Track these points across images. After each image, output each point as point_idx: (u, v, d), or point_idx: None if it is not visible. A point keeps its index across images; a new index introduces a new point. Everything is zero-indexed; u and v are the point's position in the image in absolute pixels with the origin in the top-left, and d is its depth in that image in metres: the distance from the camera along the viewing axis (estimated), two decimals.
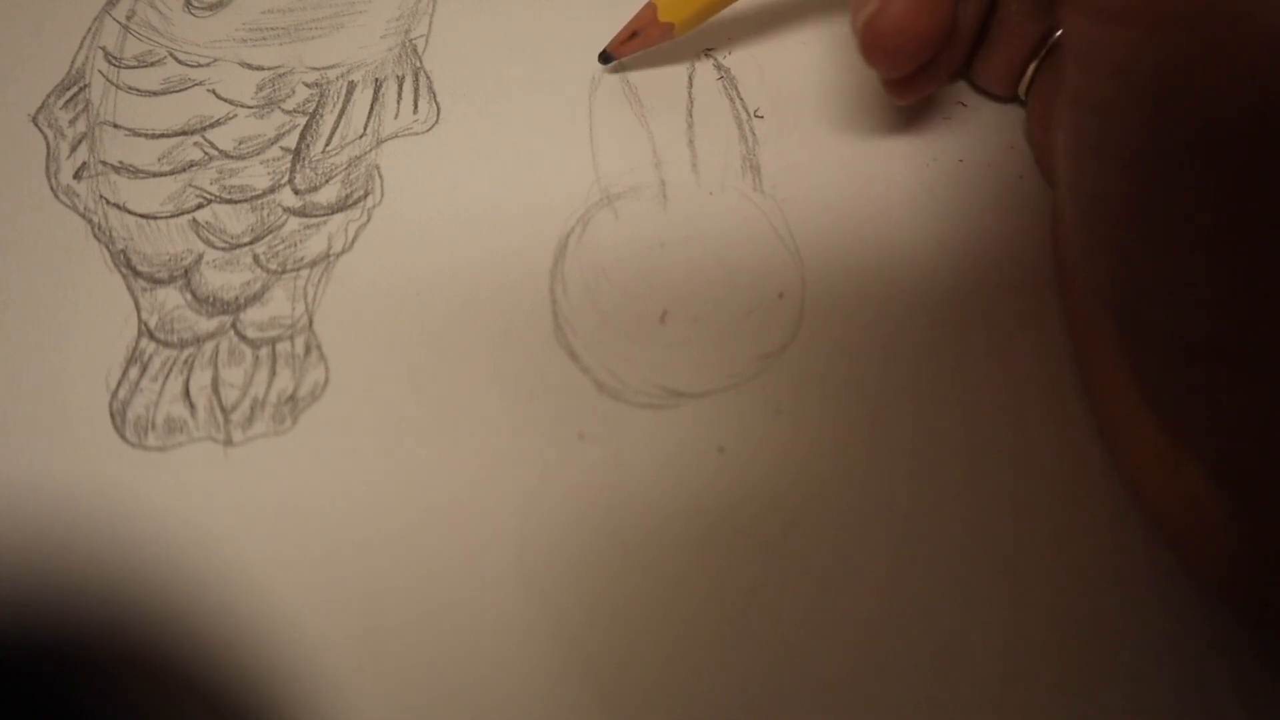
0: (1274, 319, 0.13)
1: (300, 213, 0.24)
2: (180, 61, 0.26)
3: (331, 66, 0.26)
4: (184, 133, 0.25)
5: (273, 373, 0.22)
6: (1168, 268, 0.14)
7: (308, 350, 0.22)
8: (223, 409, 0.22)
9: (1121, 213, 0.14)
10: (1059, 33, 0.22)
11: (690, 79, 0.25)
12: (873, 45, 0.21)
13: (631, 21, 0.24)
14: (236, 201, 0.24)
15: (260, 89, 0.26)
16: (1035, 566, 0.19)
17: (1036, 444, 0.20)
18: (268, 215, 0.24)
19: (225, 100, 0.25)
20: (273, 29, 0.27)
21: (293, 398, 0.22)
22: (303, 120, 0.25)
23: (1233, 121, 0.12)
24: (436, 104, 0.25)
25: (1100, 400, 0.20)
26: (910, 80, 0.22)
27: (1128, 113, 0.14)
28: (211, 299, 0.23)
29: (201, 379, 0.22)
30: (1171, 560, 0.19)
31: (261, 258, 0.23)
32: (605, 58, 0.25)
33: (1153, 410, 0.17)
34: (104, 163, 0.25)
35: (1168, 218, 0.14)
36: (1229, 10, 0.12)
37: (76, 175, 0.25)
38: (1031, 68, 0.23)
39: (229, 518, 0.20)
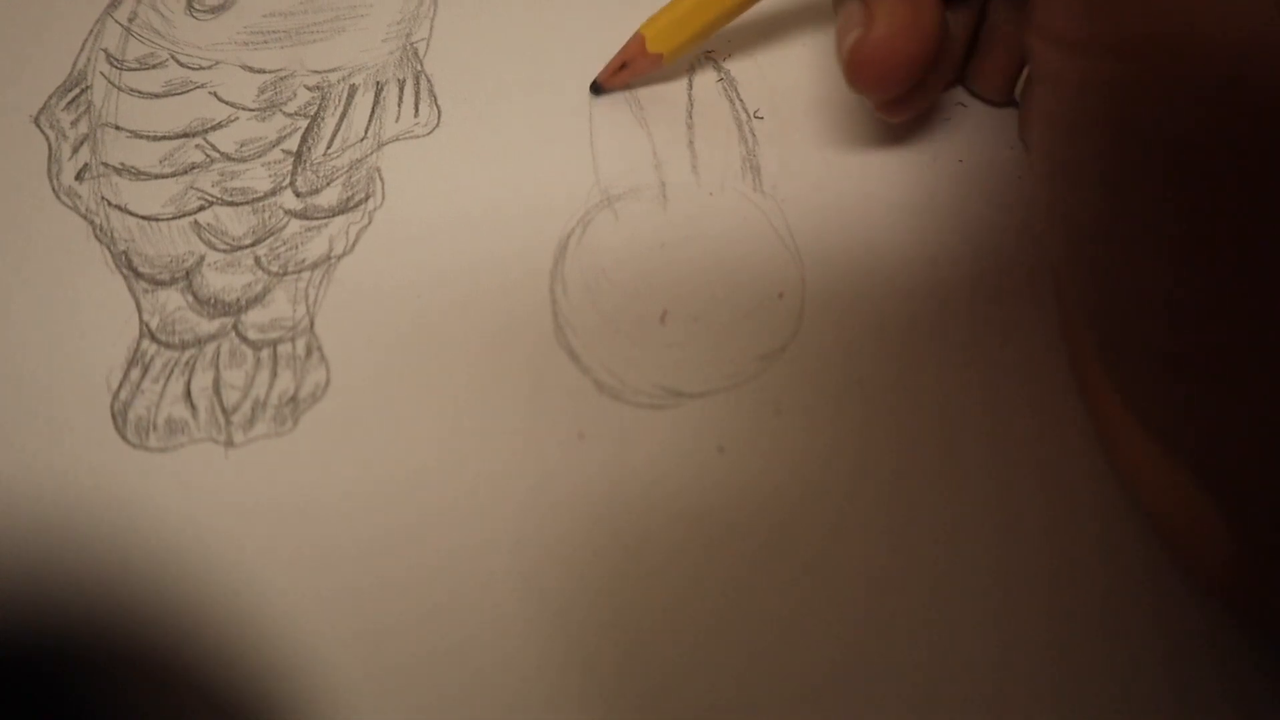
0: (1246, 329, 0.13)
1: (301, 215, 0.24)
2: (182, 64, 0.26)
3: (333, 70, 0.26)
4: (186, 135, 0.25)
5: (274, 374, 0.22)
6: (1138, 281, 0.14)
7: (309, 352, 0.22)
8: (224, 410, 0.22)
9: (1091, 228, 0.15)
10: None
11: (690, 81, 0.25)
12: (858, 73, 0.20)
13: (620, 53, 0.24)
14: (238, 204, 0.24)
15: (262, 92, 0.26)
16: (1034, 567, 0.19)
17: (1036, 444, 0.20)
18: (269, 217, 0.24)
19: (227, 103, 0.26)
20: (274, 32, 0.27)
21: (294, 399, 0.22)
22: (304, 123, 0.25)
23: (1183, 142, 0.13)
24: (437, 107, 0.25)
25: (1097, 402, 0.20)
26: (902, 100, 0.22)
27: (1089, 134, 0.14)
28: (213, 301, 0.23)
29: (203, 380, 0.22)
30: (1167, 562, 0.19)
31: (263, 260, 0.23)
32: (596, 89, 0.25)
33: (1137, 419, 0.17)
34: (106, 164, 0.25)
35: (1134, 234, 0.14)
36: (1169, 36, 0.12)
37: (78, 177, 0.25)
38: (1025, 72, 0.23)
39: (230, 519, 0.20)
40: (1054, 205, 0.15)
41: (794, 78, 0.25)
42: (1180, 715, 0.18)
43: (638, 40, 0.24)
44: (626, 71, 0.24)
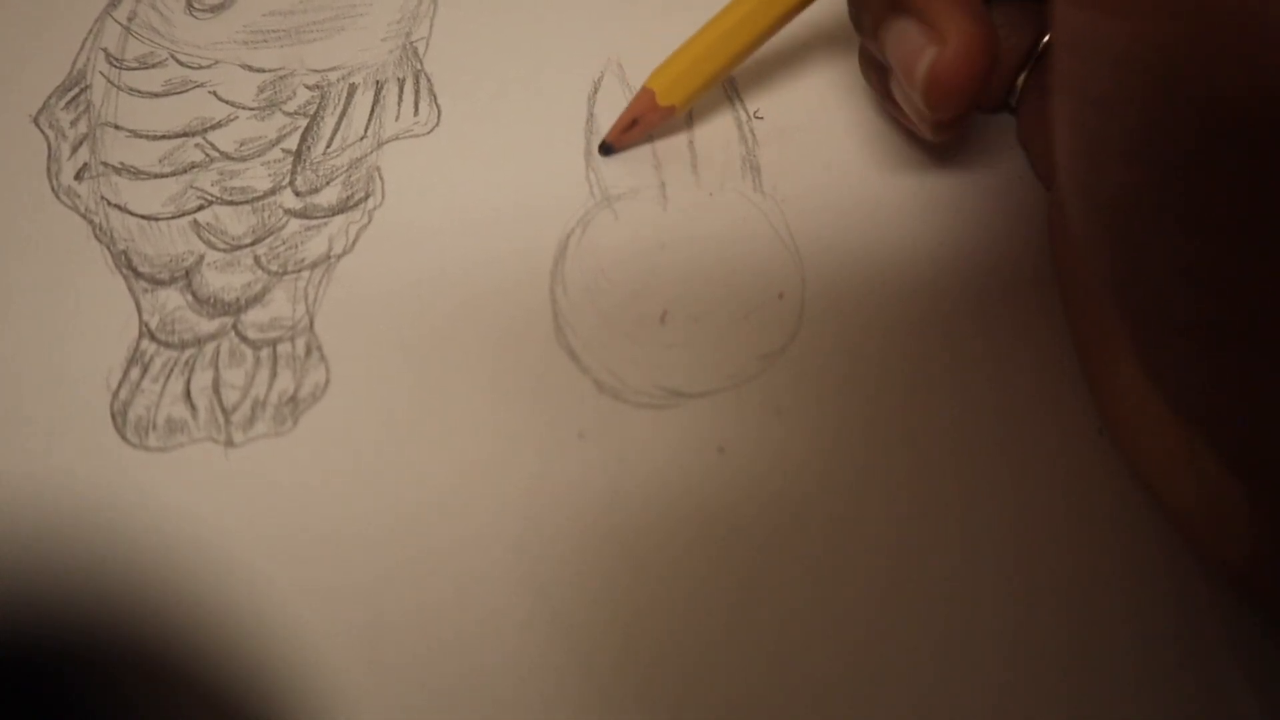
0: None
1: (301, 214, 0.24)
2: (181, 63, 0.26)
3: (332, 69, 0.26)
4: (185, 134, 0.25)
5: (273, 374, 0.22)
6: (1177, 254, 0.14)
7: (308, 351, 0.22)
8: (224, 410, 0.22)
9: (1122, 202, 0.14)
10: (1044, 40, 0.22)
11: None
12: (939, 91, 0.20)
13: (630, 109, 0.24)
14: (237, 203, 0.24)
15: (261, 91, 0.26)
16: (1041, 564, 0.19)
17: (1040, 441, 0.20)
18: (269, 217, 0.24)
19: (226, 102, 0.26)
20: (274, 31, 0.27)
21: (293, 399, 0.22)
22: (304, 122, 0.25)
23: (1238, 112, 0.12)
24: (437, 106, 0.25)
25: (1107, 395, 0.20)
26: (958, 117, 0.21)
27: (1125, 105, 0.13)
28: (212, 300, 0.23)
29: (202, 380, 0.22)
30: (1183, 555, 0.19)
31: (262, 259, 0.23)
32: (606, 149, 0.24)
33: (1165, 399, 0.17)
34: (105, 164, 0.25)
35: (1174, 206, 0.13)
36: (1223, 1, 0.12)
37: (78, 176, 0.25)
38: (1020, 79, 0.23)
39: (230, 518, 0.20)
40: (1075, 178, 0.15)
41: (794, 77, 0.25)
42: (1202, 710, 0.18)
43: (646, 95, 0.23)
44: (638, 128, 0.24)
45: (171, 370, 0.22)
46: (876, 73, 0.23)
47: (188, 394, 0.22)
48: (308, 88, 0.26)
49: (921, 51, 0.20)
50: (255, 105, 0.25)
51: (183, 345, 0.22)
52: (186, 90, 0.26)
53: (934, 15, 0.20)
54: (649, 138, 0.24)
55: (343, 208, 0.24)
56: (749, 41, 0.23)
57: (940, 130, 0.22)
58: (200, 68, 0.26)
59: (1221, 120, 0.12)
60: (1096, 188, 0.15)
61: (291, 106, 0.25)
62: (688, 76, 0.23)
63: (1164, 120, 0.13)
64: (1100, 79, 0.14)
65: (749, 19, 0.23)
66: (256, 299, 0.23)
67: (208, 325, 0.23)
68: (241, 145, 0.25)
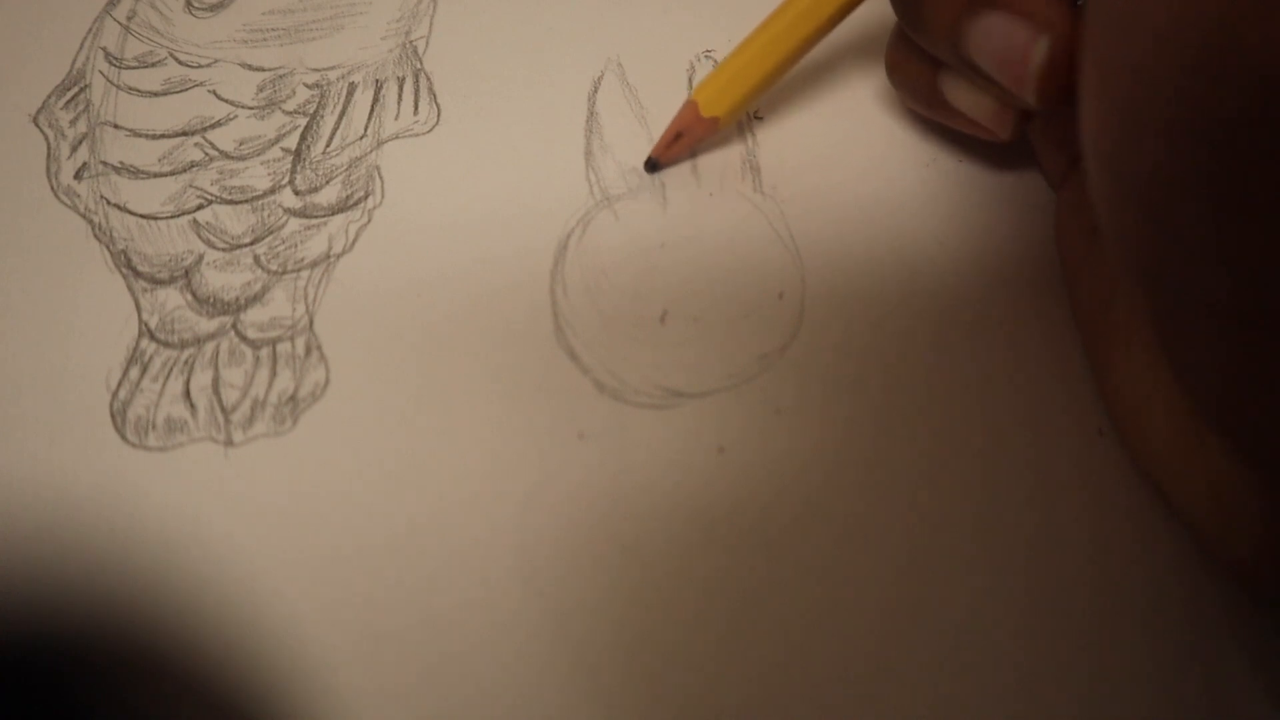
0: None
1: (301, 214, 0.24)
2: (181, 62, 0.26)
3: (332, 68, 0.26)
4: (184, 133, 0.25)
5: (273, 373, 0.22)
6: (1209, 234, 0.14)
7: (308, 351, 0.22)
8: (223, 409, 0.22)
9: (1157, 180, 0.14)
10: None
11: (691, 80, 0.25)
12: (1056, 82, 0.19)
13: (674, 123, 0.24)
14: (237, 202, 0.24)
15: (261, 90, 0.26)
16: (1043, 562, 0.19)
17: (1040, 440, 0.20)
18: (268, 216, 0.24)
19: (226, 101, 0.25)
20: (273, 30, 0.27)
21: (293, 398, 0.22)
22: (303, 121, 0.25)
23: None
24: (437, 105, 0.25)
25: (1114, 390, 0.20)
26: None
27: (1165, 76, 0.13)
28: (212, 299, 0.23)
29: (202, 379, 0.22)
30: (1189, 549, 0.19)
31: (262, 258, 0.23)
32: (652, 165, 0.24)
33: (1182, 384, 0.16)
34: (105, 163, 0.25)
35: (1212, 186, 0.13)
36: None
37: (77, 175, 0.25)
38: None
39: (229, 518, 0.20)
40: (1105, 154, 0.15)
41: (794, 78, 0.25)
42: (1208, 705, 0.18)
43: (691, 108, 0.23)
44: (683, 141, 0.24)
45: (171, 370, 0.22)
46: (923, 75, 0.22)
47: (187, 393, 0.22)
48: (307, 86, 0.26)
49: (1030, 42, 0.19)
50: (255, 104, 0.25)
51: (182, 345, 0.22)
52: (186, 89, 0.26)
53: (1028, 4, 0.19)
54: (648, 133, 0.24)
55: (342, 207, 0.24)
56: (792, 51, 0.23)
57: (1018, 126, 0.21)
58: (199, 66, 0.26)
59: (1266, 99, 0.12)
60: (1129, 164, 0.14)
61: (291, 105, 0.25)
62: (732, 88, 0.23)
63: (1206, 95, 0.13)
64: (1140, 49, 0.13)
65: (791, 28, 0.22)
66: (256, 298, 0.23)
67: (207, 325, 0.23)
68: (241, 144, 0.25)
